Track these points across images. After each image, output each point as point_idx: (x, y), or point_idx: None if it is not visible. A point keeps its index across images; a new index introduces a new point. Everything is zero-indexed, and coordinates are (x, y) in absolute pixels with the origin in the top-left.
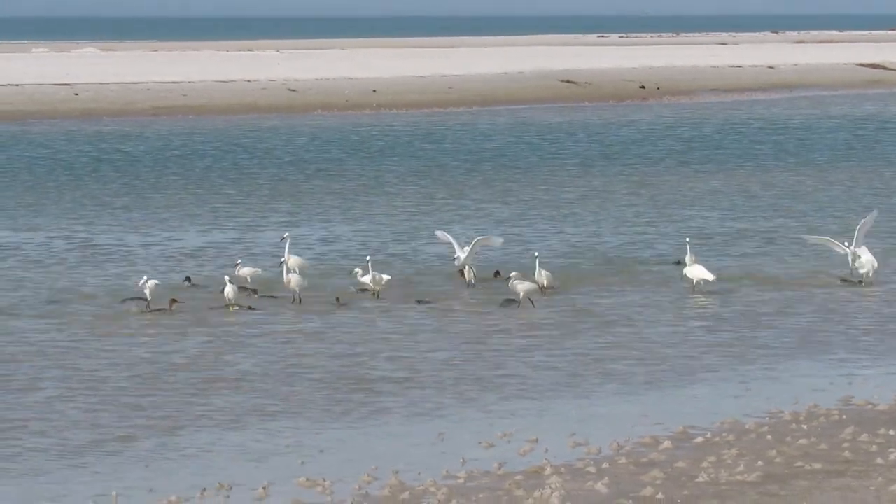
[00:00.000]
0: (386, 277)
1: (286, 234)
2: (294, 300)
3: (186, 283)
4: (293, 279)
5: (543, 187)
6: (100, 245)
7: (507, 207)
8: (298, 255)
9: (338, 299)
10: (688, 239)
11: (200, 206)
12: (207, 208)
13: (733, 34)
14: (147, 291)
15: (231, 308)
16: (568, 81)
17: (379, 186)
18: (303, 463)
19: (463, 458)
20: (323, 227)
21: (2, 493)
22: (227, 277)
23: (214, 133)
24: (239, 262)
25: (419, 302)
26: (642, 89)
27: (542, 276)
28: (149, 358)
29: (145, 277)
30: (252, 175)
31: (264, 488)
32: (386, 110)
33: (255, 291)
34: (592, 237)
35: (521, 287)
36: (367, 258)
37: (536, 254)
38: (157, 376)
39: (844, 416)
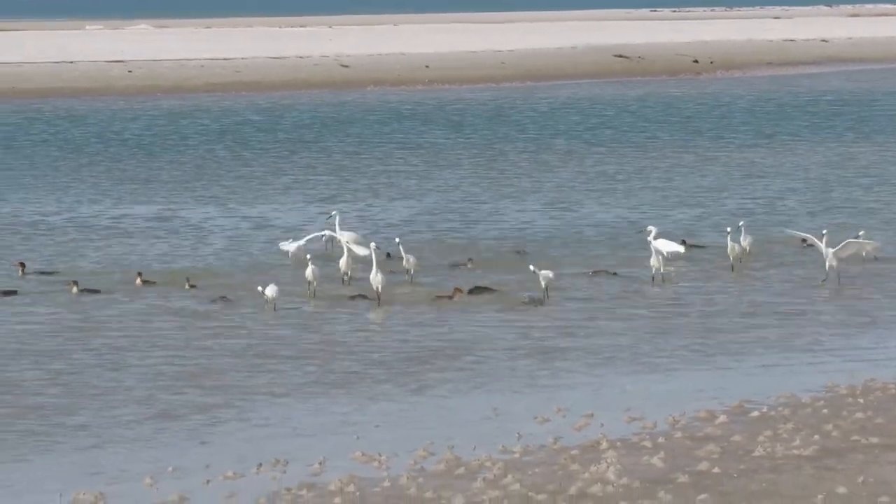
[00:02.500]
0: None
1: (333, 211)
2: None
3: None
4: (378, 279)
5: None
6: (182, 220)
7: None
8: (352, 230)
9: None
10: (742, 222)
11: (264, 182)
12: (277, 185)
13: (786, 8)
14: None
15: (311, 287)
16: (621, 56)
17: (442, 161)
18: (358, 438)
19: (518, 433)
20: (376, 203)
21: (62, 466)
22: (308, 257)
23: (268, 109)
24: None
25: (475, 290)
26: (695, 63)
27: (746, 242)
28: (208, 334)
29: (264, 288)
30: (310, 150)
31: (320, 463)
32: (438, 85)
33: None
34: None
35: (665, 246)
36: (397, 240)
37: (730, 228)
38: (215, 352)
39: None
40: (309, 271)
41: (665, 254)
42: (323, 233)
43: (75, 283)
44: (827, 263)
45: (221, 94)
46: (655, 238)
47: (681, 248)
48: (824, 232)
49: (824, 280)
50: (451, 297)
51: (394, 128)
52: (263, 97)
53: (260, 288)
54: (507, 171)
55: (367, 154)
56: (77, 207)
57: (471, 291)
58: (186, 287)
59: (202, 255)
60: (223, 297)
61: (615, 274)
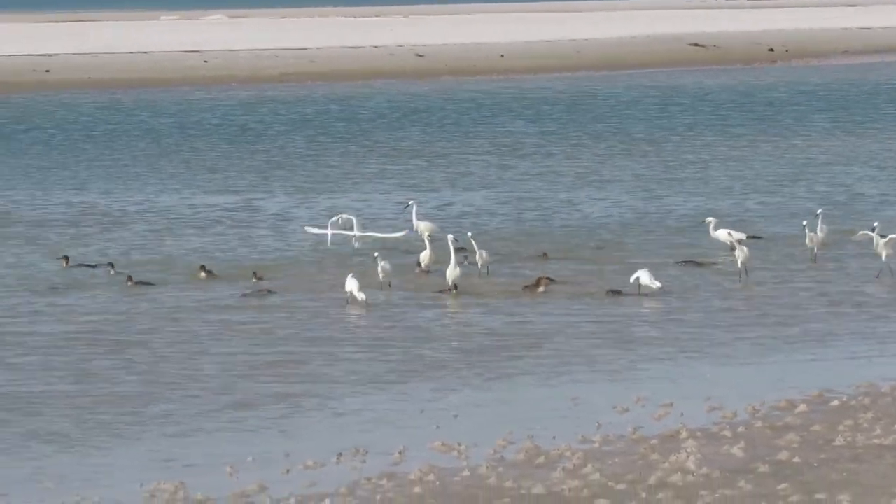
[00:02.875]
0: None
1: (410, 200)
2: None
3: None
4: (456, 272)
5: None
6: (259, 210)
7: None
8: (429, 220)
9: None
10: (820, 210)
11: (342, 172)
12: (355, 175)
13: None
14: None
15: (384, 281)
16: (696, 45)
17: (519, 151)
18: (438, 427)
19: (598, 423)
20: (453, 193)
21: (141, 456)
22: (376, 254)
23: (344, 99)
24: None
25: (549, 281)
26: (771, 52)
27: (823, 232)
28: (285, 324)
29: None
30: (388, 140)
31: (400, 453)
32: (514, 75)
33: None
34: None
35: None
36: (469, 234)
37: (820, 210)
38: (292, 341)
39: None
40: (380, 268)
41: (727, 243)
42: (339, 216)
43: (129, 277)
44: (884, 255)
45: (296, 85)
46: (715, 228)
47: (741, 236)
48: (875, 224)
49: (880, 273)
50: (536, 287)
51: (470, 117)
52: (338, 87)
53: (350, 289)
54: (586, 160)
55: (444, 144)
56: (154, 198)
57: (548, 282)
58: (253, 280)
59: (277, 247)
60: (288, 288)
61: (699, 263)
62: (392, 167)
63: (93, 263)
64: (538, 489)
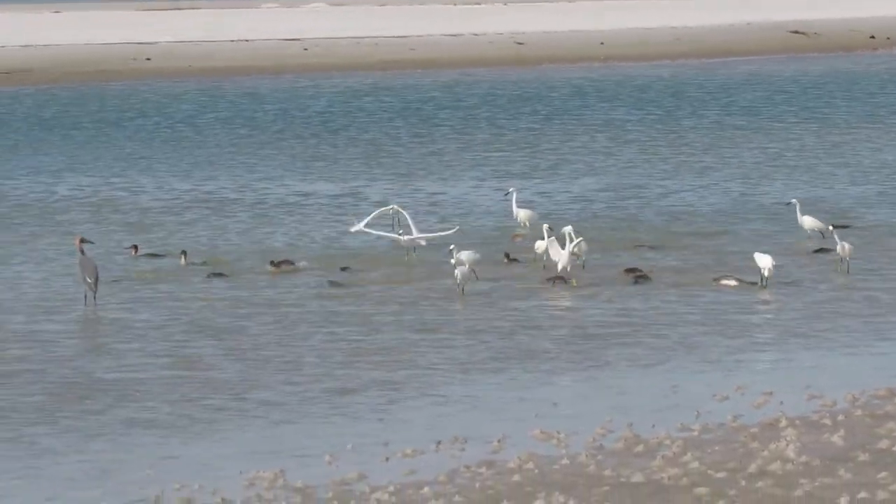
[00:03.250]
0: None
1: (511, 188)
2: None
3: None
4: (565, 258)
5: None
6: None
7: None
8: (529, 208)
9: (507, 255)
10: None
11: (444, 159)
12: (458, 162)
13: None
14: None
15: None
16: (796, 32)
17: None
18: (537, 415)
19: (697, 411)
20: (557, 181)
21: (242, 443)
22: (452, 246)
23: (445, 86)
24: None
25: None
26: (872, 39)
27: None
28: (383, 312)
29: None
30: (490, 127)
31: (499, 441)
32: (614, 62)
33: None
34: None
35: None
36: (568, 228)
37: None
38: (390, 329)
39: None
40: (458, 273)
41: (808, 231)
42: (390, 207)
43: (205, 262)
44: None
45: (396, 73)
46: (802, 214)
47: (826, 227)
48: None
49: None
50: (635, 274)
51: (571, 105)
52: (439, 75)
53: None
54: (688, 148)
55: (545, 131)
56: (257, 185)
57: (639, 275)
58: (345, 269)
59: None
60: (386, 276)
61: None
62: (493, 155)
63: (161, 253)
64: (637, 477)
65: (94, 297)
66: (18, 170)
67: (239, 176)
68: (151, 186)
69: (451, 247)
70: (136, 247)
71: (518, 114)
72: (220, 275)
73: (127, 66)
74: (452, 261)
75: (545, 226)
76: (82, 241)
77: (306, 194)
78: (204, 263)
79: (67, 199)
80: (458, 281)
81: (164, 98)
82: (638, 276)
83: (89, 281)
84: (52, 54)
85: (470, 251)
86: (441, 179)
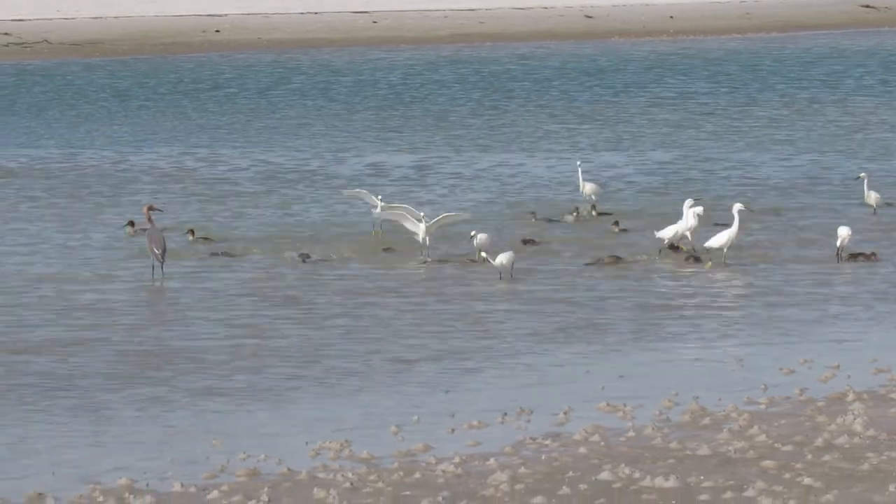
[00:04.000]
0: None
1: (578, 161)
2: None
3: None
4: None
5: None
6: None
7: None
8: (595, 181)
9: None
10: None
11: (515, 131)
12: (531, 135)
13: None
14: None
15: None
16: (866, 6)
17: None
18: (603, 388)
19: (764, 384)
20: (625, 154)
21: (307, 413)
22: (473, 233)
23: (514, 60)
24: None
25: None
26: None
27: None
28: (448, 285)
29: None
30: (560, 101)
31: (565, 413)
32: (683, 36)
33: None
34: None
35: None
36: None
37: None
38: (451, 303)
39: None
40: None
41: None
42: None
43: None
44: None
45: (465, 45)
46: (868, 188)
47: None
48: None
49: None
50: (687, 254)
51: (642, 78)
52: (508, 48)
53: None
54: (758, 122)
55: (616, 105)
56: (332, 156)
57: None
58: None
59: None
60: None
61: None
62: (563, 127)
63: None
64: (703, 450)
65: (161, 269)
66: (92, 140)
67: (315, 147)
68: (224, 158)
69: (473, 233)
70: (192, 230)
71: (587, 87)
72: (304, 254)
73: (197, 39)
74: (475, 244)
75: (688, 201)
76: (150, 209)
77: (380, 165)
78: (224, 254)
79: (139, 169)
80: (499, 270)
81: (236, 70)
82: (690, 256)
83: (156, 252)
84: (122, 26)
85: (509, 252)
86: (511, 152)
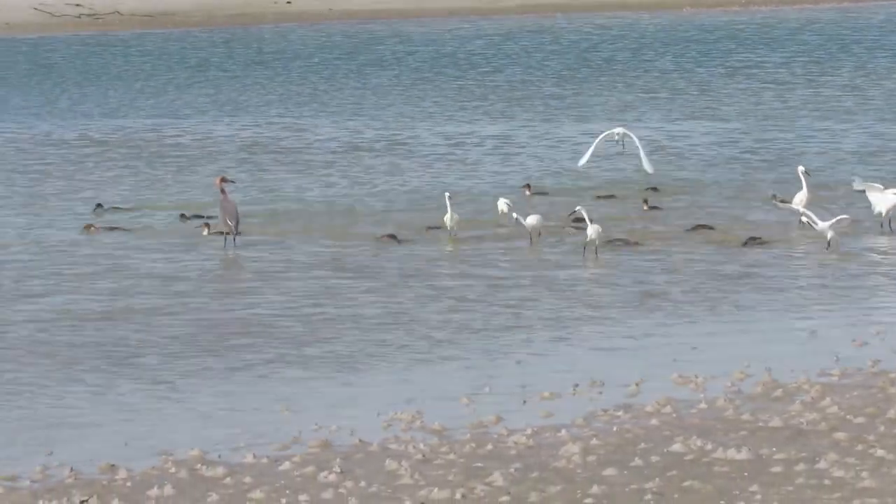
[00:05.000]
0: None
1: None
2: None
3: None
4: None
5: None
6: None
7: None
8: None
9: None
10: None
11: (602, 101)
12: (611, 105)
13: None
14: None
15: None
16: None
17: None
18: (675, 360)
19: (836, 356)
20: (698, 125)
21: (378, 384)
22: (515, 215)
23: (588, 32)
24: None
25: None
26: None
27: None
28: (514, 259)
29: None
30: (638, 71)
31: (637, 385)
32: (754, 7)
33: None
34: None
35: None
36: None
37: None
38: (522, 274)
39: None
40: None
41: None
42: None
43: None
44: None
45: (536, 15)
46: None
47: None
48: None
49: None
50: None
51: (714, 49)
52: (579, 18)
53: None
54: (830, 90)
55: (687, 76)
56: (410, 128)
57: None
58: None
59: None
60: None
61: None
62: (641, 97)
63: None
64: (775, 422)
65: (234, 241)
66: (170, 109)
67: (397, 117)
68: (303, 129)
69: (515, 215)
70: (207, 223)
71: (662, 57)
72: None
73: (268, 10)
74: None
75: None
76: (223, 180)
77: (460, 137)
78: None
79: (219, 139)
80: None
81: (311, 40)
82: (751, 239)
83: (230, 223)
84: None
85: (537, 215)
86: (585, 122)
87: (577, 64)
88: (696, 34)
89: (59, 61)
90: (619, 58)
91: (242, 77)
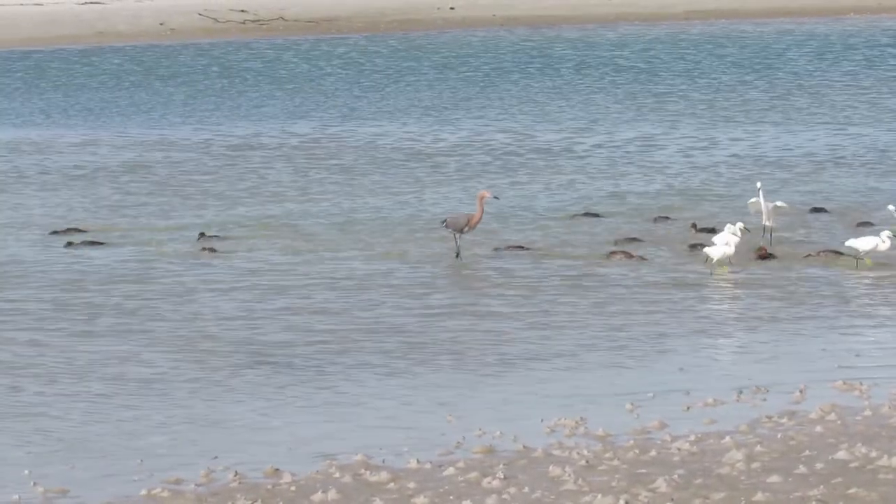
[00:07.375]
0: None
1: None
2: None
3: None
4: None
5: None
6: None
7: None
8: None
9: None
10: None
11: (772, 105)
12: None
13: None
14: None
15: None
16: None
17: None
18: (839, 367)
19: None
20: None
21: (541, 390)
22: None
23: (755, 38)
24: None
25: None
26: None
27: None
28: (689, 266)
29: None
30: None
31: (801, 391)
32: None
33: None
34: None
35: None
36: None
37: None
38: (677, 282)
39: None
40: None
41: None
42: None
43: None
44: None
45: (700, 22)
46: None
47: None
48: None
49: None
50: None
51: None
52: (748, 25)
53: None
54: None
55: (799, 85)
56: (583, 132)
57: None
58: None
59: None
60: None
61: None
62: (812, 103)
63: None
64: None
65: (458, 254)
66: (372, 112)
67: (563, 123)
68: (485, 133)
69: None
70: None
71: (784, 66)
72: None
73: (431, 16)
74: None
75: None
76: (483, 197)
77: (647, 141)
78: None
79: (429, 143)
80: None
81: (480, 46)
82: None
83: (463, 233)
84: (355, 3)
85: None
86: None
87: (747, 71)
88: (857, 41)
89: (254, 66)
90: (791, 63)
91: (431, 81)
